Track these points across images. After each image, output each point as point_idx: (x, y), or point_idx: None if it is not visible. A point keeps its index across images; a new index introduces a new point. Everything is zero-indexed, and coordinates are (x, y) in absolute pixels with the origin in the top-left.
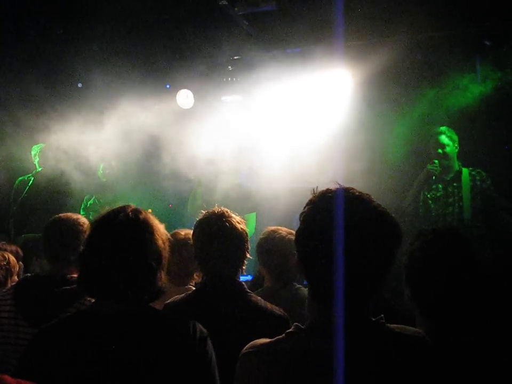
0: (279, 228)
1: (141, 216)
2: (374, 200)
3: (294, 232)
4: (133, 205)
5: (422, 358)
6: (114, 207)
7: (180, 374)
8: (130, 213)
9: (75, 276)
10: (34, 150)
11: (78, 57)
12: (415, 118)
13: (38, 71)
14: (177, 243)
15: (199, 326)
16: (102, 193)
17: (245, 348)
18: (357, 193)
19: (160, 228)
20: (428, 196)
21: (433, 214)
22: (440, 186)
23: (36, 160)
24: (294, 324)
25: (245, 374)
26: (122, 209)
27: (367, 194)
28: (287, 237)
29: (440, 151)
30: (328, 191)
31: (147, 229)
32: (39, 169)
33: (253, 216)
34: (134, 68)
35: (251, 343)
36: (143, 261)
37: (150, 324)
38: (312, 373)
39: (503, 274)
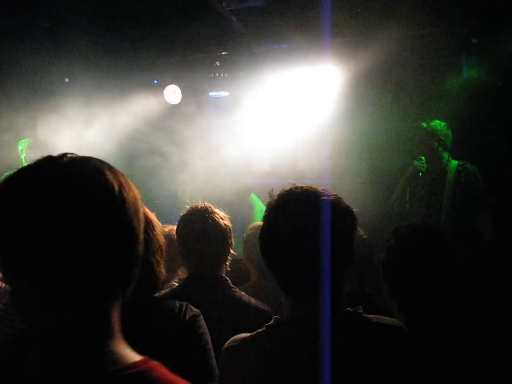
0: None
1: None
2: (321, 191)
3: None
4: None
5: (399, 346)
6: None
7: (174, 349)
8: None
9: None
10: (21, 145)
11: (64, 52)
12: (403, 114)
13: (24, 65)
14: None
15: (190, 306)
16: None
17: (226, 343)
18: (304, 188)
19: (159, 223)
20: (413, 193)
21: (416, 213)
22: (424, 184)
23: (23, 156)
24: (274, 316)
25: (228, 367)
26: None
27: (313, 187)
28: None
29: (426, 145)
30: (283, 192)
31: (149, 225)
32: (25, 165)
33: (253, 195)
34: (121, 63)
35: (232, 337)
36: (148, 258)
37: (143, 308)
38: (292, 364)
39: (480, 269)
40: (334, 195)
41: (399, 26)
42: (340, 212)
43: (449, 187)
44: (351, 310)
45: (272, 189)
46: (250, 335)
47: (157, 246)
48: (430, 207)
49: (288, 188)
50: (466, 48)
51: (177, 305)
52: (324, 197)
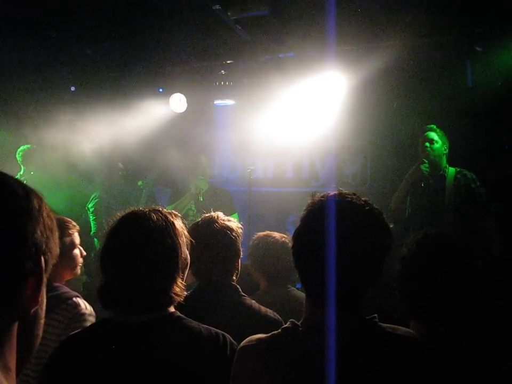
0: (271, 232)
1: (170, 221)
2: (370, 206)
3: (286, 236)
4: (159, 208)
5: (412, 357)
6: (132, 212)
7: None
8: (159, 220)
9: (56, 284)
10: (20, 152)
11: (71, 60)
12: (407, 122)
13: (31, 74)
14: None
15: (229, 338)
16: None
17: (242, 343)
18: (349, 198)
19: (184, 231)
20: (414, 200)
21: (419, 221)
22: (424, 191)
23: (20, 161)
24: (290, 320)
25: (241, 367)
26: (149, 216)
27: (362, 199)
28: (281, 240)
29: (427, 144)
30: (323, 195)
31: (176, 240)
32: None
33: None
34: (126, 72)
35: (248, 338)
36: (173, 272)
37: (181, 334)
38: (305, 368)
39: (492, 278)
40: (377, 209)
41: (404, 34)
42: (375, 228)
43: (449, 195)
44: (367, 318)
45: (315, 192)
46: (266, 336)
47: (184, 259)
48: (431, 216)
49: (327, 193)
50: (471, 56)
51: (220, 336)
52: (366, 209)
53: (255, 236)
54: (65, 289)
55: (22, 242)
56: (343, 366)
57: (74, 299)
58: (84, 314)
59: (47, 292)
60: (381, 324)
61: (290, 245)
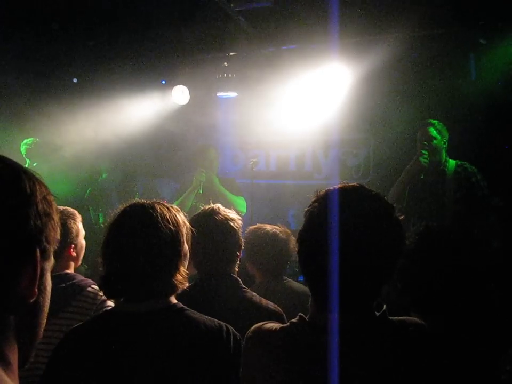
0: (262, 224)
1: (172, 212)
2: (379, 198)
3: (277, 227)
4: (155, 201)
5: (424, 354)
6: (135, 203)
7: (213, 376)
8: (162, 210)
9: (69, 271)
10: (24, 145)
11: (73, 52)
12: (411, 115)
13: (33, 66)
14: None
15: (232, 330)
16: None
17: (251, 330)
18: (357, 190)
19: (186, 222)
20: (413, 193)
21: (418, 214)
22: (424, 185)
23: (24, 154)
24: (299, 314)
25: (253, 355)
26: (152, 206)
27: (373, 192)
28: (271, 232)
29: (425, 143)
30: (330, 190)
31: (179, 229)
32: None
33: (241, 199)
34: (129, 64)
35: (256, 326)
36: (176, 260)
37: (184, 325)
38: (308, 364)
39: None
40: (388, 204)
41: (407, 27)
42: (384, 222)
43: (449, 189)
44: (377, 313)
45: (320, 190)
46: (275, 328)
47: (185, 251)
48: (431, 208)
49: (333, 187)
50: (474, 49)
51: (223, 327)
52: (374, 208)
53: (247, 230)
54: (80, 277)
55: (10, 232)
56: (351, 364)
57: (91, 287)
58: (105, 301)
59: (62, 282)
60: (390, 318)
61: (282, 236)
